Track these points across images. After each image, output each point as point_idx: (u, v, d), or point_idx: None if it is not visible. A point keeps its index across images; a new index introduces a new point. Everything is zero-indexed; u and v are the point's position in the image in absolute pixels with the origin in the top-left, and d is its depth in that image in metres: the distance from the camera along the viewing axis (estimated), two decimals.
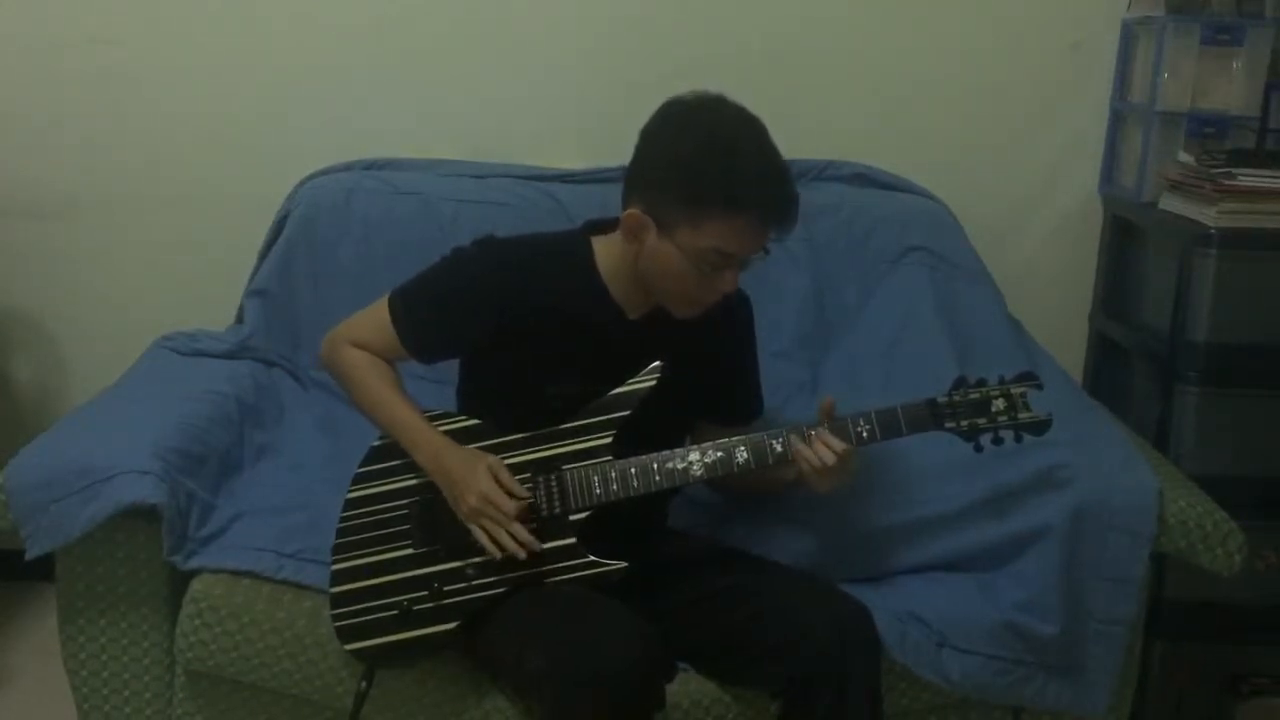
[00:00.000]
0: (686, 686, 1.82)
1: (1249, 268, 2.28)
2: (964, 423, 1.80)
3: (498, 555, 1.75)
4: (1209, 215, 2.29)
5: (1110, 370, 2.72)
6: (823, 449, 1.75)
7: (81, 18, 2.59)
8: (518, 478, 1.79)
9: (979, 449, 1.81)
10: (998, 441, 1.82)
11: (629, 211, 1.76)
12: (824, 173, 2.59)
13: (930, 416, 1.80)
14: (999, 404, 1.81)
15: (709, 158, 1.69)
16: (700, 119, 1.73)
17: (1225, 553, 1.94)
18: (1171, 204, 2.45)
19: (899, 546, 1.99)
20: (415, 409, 1.87)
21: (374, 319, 1.90)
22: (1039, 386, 1.83)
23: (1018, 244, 2.74)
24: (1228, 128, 2.54)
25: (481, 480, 1.75)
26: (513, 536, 1.74)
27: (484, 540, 1.76)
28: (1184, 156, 2.46)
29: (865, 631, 1.75)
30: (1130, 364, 2.63)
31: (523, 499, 1.76)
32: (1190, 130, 2.52)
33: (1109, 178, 2.72)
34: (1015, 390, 1.82)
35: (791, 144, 2.51)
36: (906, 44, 2.66)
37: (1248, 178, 2.29)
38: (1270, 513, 2.29)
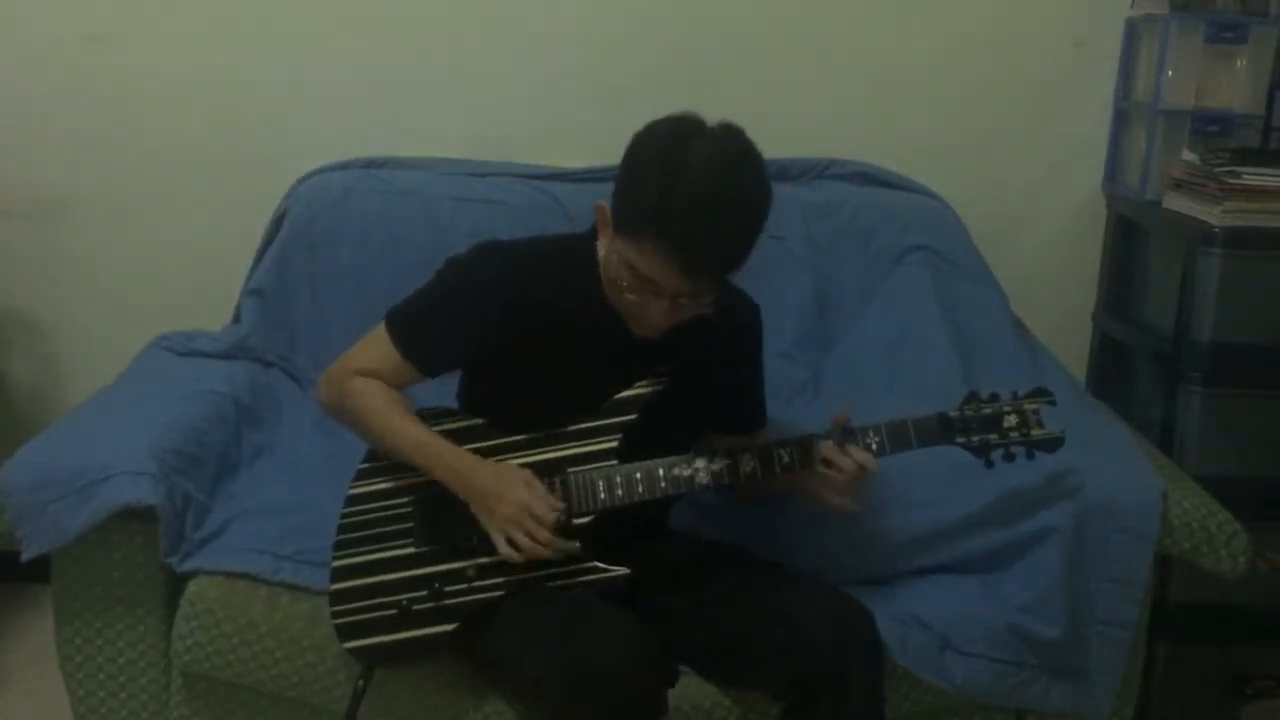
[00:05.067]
0: (687, 690, 1.80)
1: (1253, 267, 2.27)
2: (975, 438, 1.78)
3: (515, 558, 1.73)
4: (1213, 214, 2.28)
5: (1114, 370, 2.72)
6: (854, 458, 1.73)
7: (79, 16, 2.57)
8: None
9: (990, 465, 1.79)
10: (1009, 458, 1.79)
11: (599, 203, 1.75)
12: (826, 171, 2.58)
13: (940, 431, 1.78)
14: (1011, 420, 1.78)
15: (654, 173, 1.64)
16: (670, 135, 1.66)
17: (1230, 554, 1.93)
18: (1175, 203, 2.44)
19: (901, 549, 1.97)
20: (430, 429, 1.83)
21: (373, 346, 1.85)
22: (1052, 402, 1.80)
23: (1021, 243, 2.73)
24: (1232, 126, 2.53)
25: (520, 490, 1.73)
26: (538, 539, 1.72)
27: (504, 548, 1.73)
28: (1188, 155, 2.45)
29: (867, 634, 1.73)
30: (1134, 364, 2.62)
31: (558, 510, 1.74)
32: (1194, 128, 2.51)
33: (1112, 176, 2.71)
34: (1028, 406, 1.79)
35: (793, 143, 2.54)
36: (909, 42, 2.65)
37: (1252, 176, 2.28)
38: (1275, 514, 2.28)
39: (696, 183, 1.61)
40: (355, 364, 1.87)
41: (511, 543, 1.73)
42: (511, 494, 1.73)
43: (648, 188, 1.63)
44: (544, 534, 1.71)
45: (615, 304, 1.75)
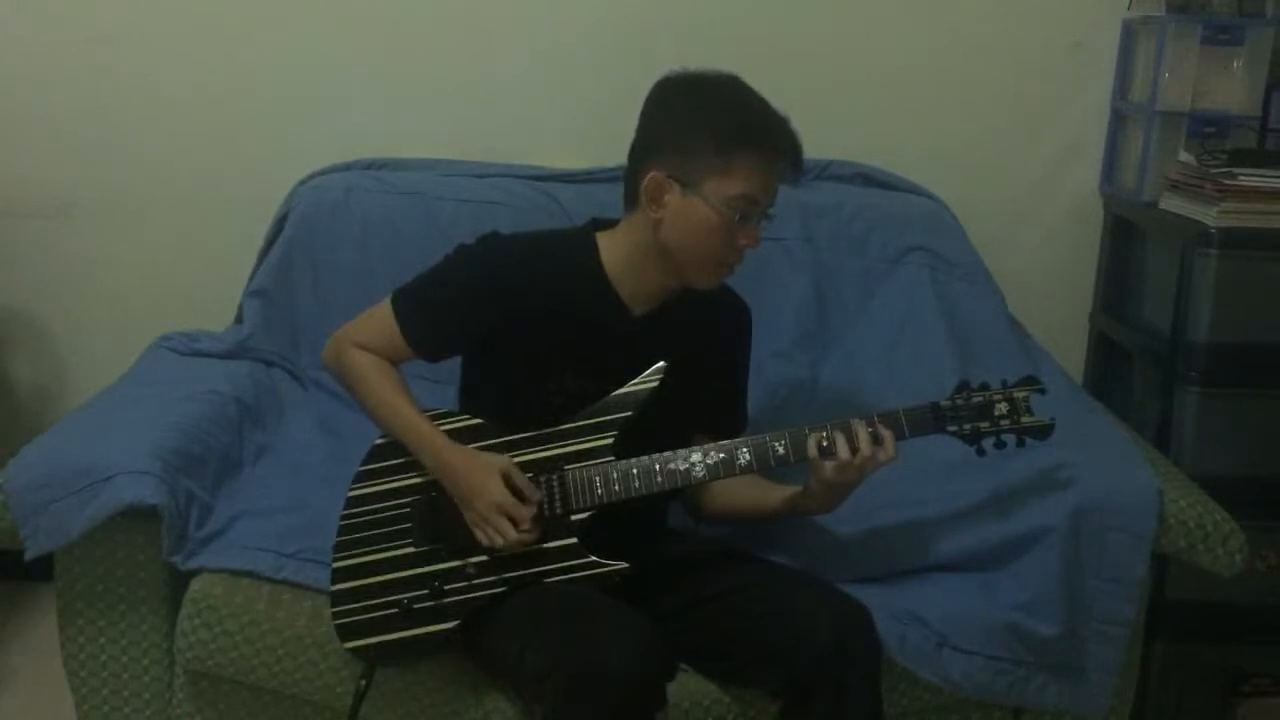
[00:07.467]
0: (686, 687, 1.82)
1: (1250, 268, 2.28)
2: (966, 426, 1.80)
3: (498, 543, 1.75)
4: (1209, 215, 2.29)
5: (1111, 370, 2.72)
6: (879, 431, 1.76)
7: (81, 18, 2.58)
8: None
9: (981, 453, 1.81)
10: (1000, 445, 1.81)
11: (651, 176, 1.78)
12: (824, 172, 2.59)
13: (933, 419, 1.79)
14: (1001, 408, 1.80)
15: (727, 106, 1.77)
16: (704, 81, 1.81)
17: (1226, 553, 1.93)
18: (1172, 204, 2.45)
19: (899, 547, 1.98)
20: (420, 411, 1.87)
21: (377, 319, 1.90)
22: (1042, 391, 1.82)
23: (1018, 244, 2.73)
24: (1228, 127, 2.54)
25: (495, 490, 1.76)
26: (508, 538, 1.75)
27: (483, 540, 1.77)
28: (1184, 156, 2.45)
29: (865, 632, 1.74)
30: (1131, 364, 2.63)
31: (535, 501, 1.76)
32: (1191, 130, 2.52)
33: (1109, 177, 2.72)
34: (1018, 394, 1.81)
35: None
36: (907, 43, 2.66)
37: (1248, 178, 2.29)
38: (1271, 513, 2.29)
39: (746, 97, 1.79)
40: (359, 335, 1.91)
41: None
42: (486, 491, 1.76)
43: (735, 117, 1.76)
44: (512, 534, 1.74)
45: (689, 262, 1.80)
